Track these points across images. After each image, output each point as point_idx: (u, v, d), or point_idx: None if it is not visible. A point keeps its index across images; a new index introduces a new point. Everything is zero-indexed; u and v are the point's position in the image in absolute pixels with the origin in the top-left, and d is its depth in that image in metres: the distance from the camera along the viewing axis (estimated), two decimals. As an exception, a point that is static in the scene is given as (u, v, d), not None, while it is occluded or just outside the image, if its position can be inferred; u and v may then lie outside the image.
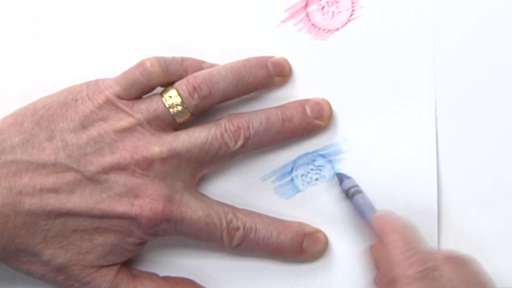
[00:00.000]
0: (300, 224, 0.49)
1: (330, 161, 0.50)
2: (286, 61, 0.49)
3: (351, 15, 0.50)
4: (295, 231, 0.49)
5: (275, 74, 0.49)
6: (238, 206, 0.50)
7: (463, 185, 0.50)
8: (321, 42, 0.50)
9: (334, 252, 0.50)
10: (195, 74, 0.47)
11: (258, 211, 0.50)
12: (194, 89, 0.47)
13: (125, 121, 0.46)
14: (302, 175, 0.50)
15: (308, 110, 0.49)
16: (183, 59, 0.48)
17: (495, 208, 0.49)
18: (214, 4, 0.50)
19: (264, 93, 0.50)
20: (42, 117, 0.46)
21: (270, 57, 0.49)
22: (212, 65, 0.49)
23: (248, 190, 0.50)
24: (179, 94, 0.47)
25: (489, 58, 0.49)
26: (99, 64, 0.51)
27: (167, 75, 0.47)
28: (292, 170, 0.50)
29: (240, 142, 0.47)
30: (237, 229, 0.48)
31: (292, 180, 0.50)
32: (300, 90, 0.50)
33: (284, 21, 0.50)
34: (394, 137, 0.49)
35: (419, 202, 0.49)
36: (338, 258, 0.50)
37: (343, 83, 0.50)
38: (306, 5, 0.50)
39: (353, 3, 0.50)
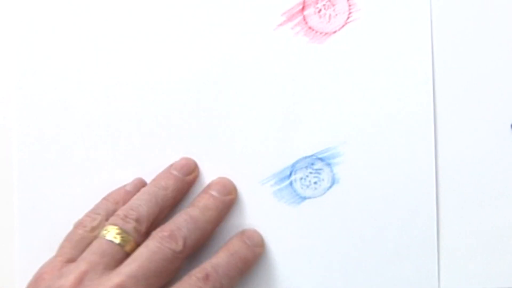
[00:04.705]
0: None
1: (328, 164, 0.50)
2: (187, 159, 0.51)
3: (348, 17, 0.50)
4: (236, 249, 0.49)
5: (184, 176, 0.50)
6: (237, 211, 0.50)
7: (461, 186, 0.50)
8: (318, 45, 0.50)
9: (333, 255, 0.50)
10: (122, 208, 0.48)
11: (256, 215, 0.50)
12: (125, 216, 0.48)
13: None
14: (301, 178, 0.50)
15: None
16: (116, 202, 0.50)
17: (495, 208, 0.50)
18: (211, 8, 0.50)
19: (264, 95, 0.50)
20: None
21: (171, 165, 0.50)
22: (134, 186, 0.50)
23: (247, 194, 0.50)
24: (115, 224, 0.47)
25: (487, 60, 0.49)
26: (99, 63, 0.50)
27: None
28: (291, 173, 0.50)
29: (180, 242, 0.47)
30: None
31: (291, 184, 0.50)
32: (297, 93, 0.50)
33: (281, 24, 0.50)
34: (392, 139, 0.49)
35: (417, 204, 0.49)
36: (337, 260, 0.50)
37: (340, 86, 0.50)
38: (303, 8, 0.50)
39: (350, 5, 0.50)
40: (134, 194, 0.50)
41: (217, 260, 0.48)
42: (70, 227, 0.49)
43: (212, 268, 0.47)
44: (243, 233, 0.50)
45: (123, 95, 0.51)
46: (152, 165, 0.51)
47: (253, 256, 0.50)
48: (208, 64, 0.50)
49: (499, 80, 0.50)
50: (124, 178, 0.51)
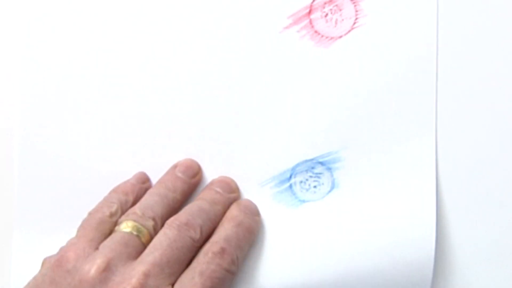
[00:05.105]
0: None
1: (329, 169, 0.50)
2: (191, 160, 0.51)
3: (355, 23, 0.49)
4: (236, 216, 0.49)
5: (189, 178, 0.50)
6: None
7: (461, 190, 0.50)
8: (324, 49, 0.50)
9: (331, 258, 0.50)
10: (134, 207, 0.48)
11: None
12: (143, 214, 0.48)
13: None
14: (301, 182, 0.50)
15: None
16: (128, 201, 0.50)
17: (496, 213, 0.49)
18: (216, 10, 0.50)
19: (267, 98, 0.50)
20: None
21: (175, 166, 0.50)
22: (137, 179, 0.51)
23: (246, 195, 0.50)
24: (134, 220, 0.47)
25: (493, 72, 0.49)
26: (102, 62, 0.51)
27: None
28: (290, 176, 0.50)
29: (198, 230, 0.47)
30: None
31: (290, 186, 0.50)
32: (301, 97, 0.50)
33: (287, 27, 0.50)
34: (394, 147, 0.49)
35: (417, 209, 0.49)
36: (335, 263, 0.50)
37: (344, 91, 0.50)
38: (310, 12, 0.50)
39: (356, 11, 0.49)
40: (139, 186, 0.50)
41: (226, 232, 0.48)
42: (70, 227, 0.48)
43: (225, 242, 0.47)
44: (239, 203, 0.50)
45: (125, 95, 0.51)
46: (153, 166, 0.51)
47: (256, 225, 0.49)
48: (212, 66, 0.50)
49: (503, 95, 0.49)
50: (126, 178, 0.51)
